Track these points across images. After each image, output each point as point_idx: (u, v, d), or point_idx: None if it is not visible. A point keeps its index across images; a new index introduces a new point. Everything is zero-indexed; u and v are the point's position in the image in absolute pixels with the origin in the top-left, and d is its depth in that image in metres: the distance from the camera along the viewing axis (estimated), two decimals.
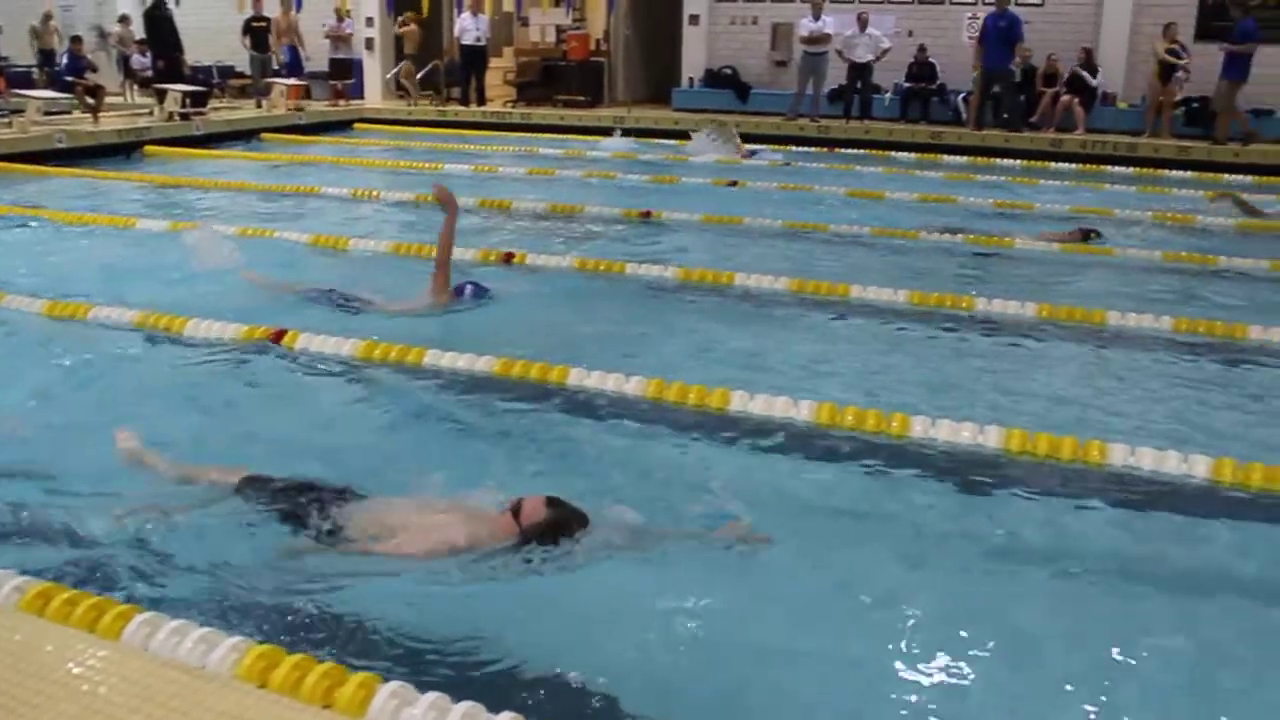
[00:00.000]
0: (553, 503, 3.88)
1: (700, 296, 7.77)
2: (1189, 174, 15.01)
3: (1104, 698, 3.20)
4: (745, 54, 21.02)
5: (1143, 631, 3.52)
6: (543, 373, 5.67)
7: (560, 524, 3.86)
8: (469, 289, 7.11)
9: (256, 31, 20.13)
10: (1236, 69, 16.35)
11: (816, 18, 18.06)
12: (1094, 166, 15.64)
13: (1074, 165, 15.75)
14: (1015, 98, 17.69)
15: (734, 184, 13.03)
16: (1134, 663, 3.35)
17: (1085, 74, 17.92)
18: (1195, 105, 17.62)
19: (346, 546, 3.81)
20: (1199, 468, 4.66)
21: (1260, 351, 6.69)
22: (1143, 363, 6.57)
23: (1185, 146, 16.46)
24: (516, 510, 3.87)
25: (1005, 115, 17.53)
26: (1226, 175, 14.93)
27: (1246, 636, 3.56)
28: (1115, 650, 3.38)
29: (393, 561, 3.73)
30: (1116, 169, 15.37)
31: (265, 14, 20.12)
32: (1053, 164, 15.83)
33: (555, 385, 5.59)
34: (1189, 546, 4.26)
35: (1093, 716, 3.13)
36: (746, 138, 16.47)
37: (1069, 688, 3.26)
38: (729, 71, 20.85)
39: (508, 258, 8.53)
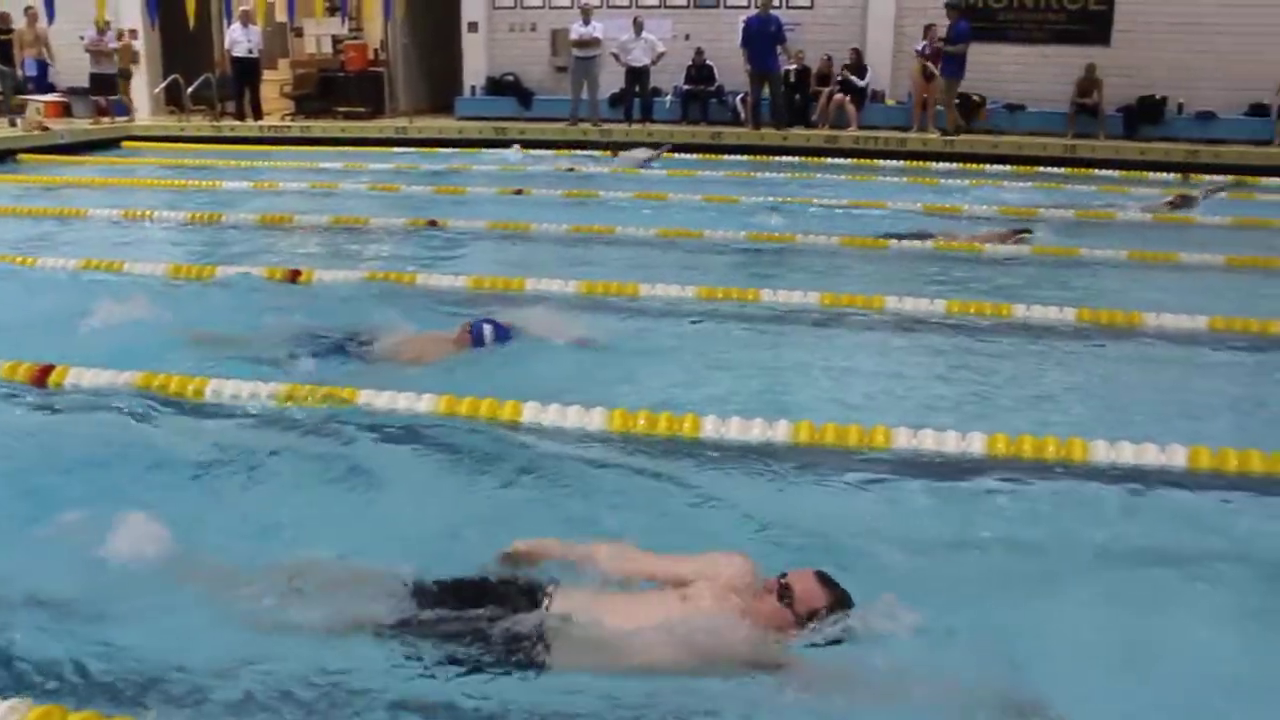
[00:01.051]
0: (824, 579, 3.30)
1: (491, 301, 7.69)
2: (954, 165, 15.83)
3: None
4: (526, 60, 21.01)
5: None
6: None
7: (839, 604, 3.25)
8: (487, 331, 6.05)
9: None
10: (953, 68, 17.28)
11: (586, 22, 18.28)
12: (868, 161, 16.29)
13: (850, 160, 16.36)
14: (786, 97, 18.25)
15: (519, 192, 12.99)
16: None
17: (852, 75, 18.65)
18: (958, 100, 18.54)
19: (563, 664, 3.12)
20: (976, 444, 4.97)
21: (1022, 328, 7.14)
22: (917, 343, 6.95)
23: (950, 140, 17.33)
24: (784, 592, 3.24)
25: (774, 115, 18.04)
26: (988, 165, 15.84)
27: None
28: None
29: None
30: (889, 163, 16.06)
31: (10, 25, 18.90)
32: (829, 159, 16.42)
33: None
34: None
35: None
36: (530, 144, 16.53)
37: None
38: (511, 78, 20.80)
39: (293, 275, 8.27)
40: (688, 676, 3.14)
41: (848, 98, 18.46)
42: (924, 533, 4.25)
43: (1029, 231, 10.18)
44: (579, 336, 6.48)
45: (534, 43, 20.99)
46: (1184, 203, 12.06)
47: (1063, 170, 15.73)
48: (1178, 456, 4.84)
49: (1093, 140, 17.53)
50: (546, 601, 3.31)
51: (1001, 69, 18.86)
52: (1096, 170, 15.75)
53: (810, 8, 19.65)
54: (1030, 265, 9.39)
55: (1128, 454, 4.85)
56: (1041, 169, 15.72)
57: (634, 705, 3.08)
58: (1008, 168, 15.74)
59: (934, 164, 16.06)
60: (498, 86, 20.86)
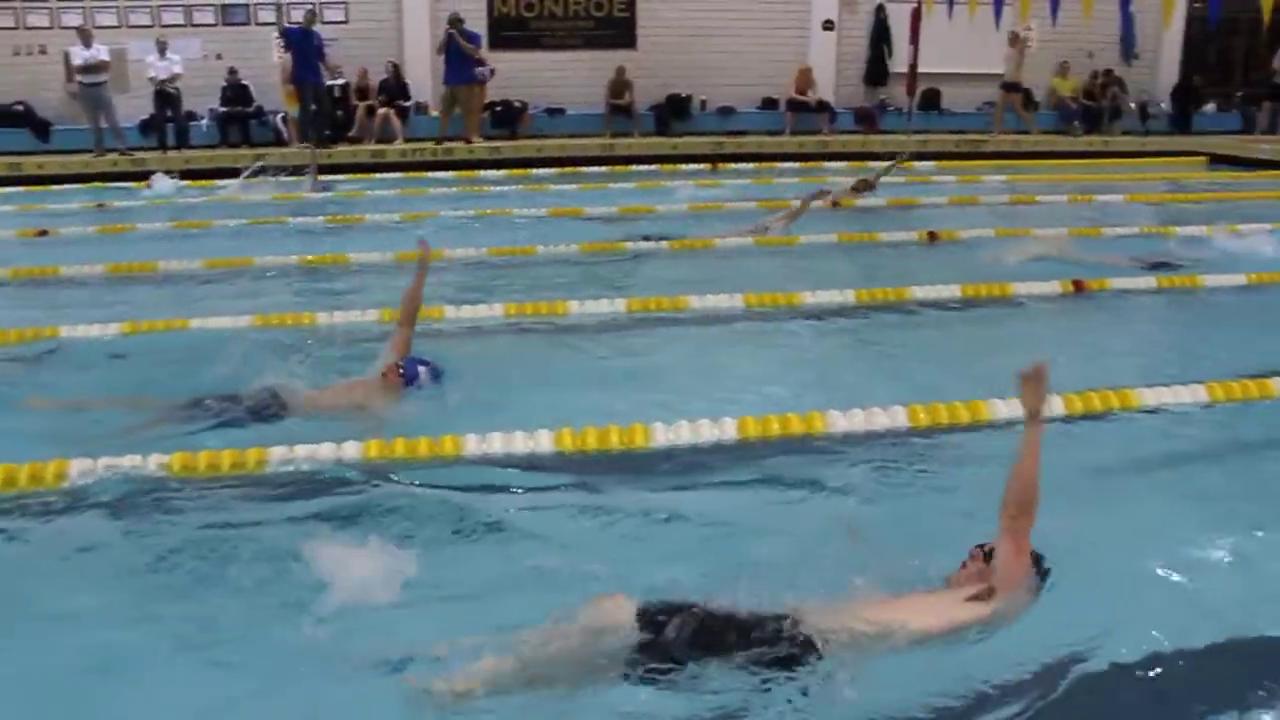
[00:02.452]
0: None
1: None
2: (501, 172, 16.18)
3: None
4: (38, 87, 19.12)
5: None
6: None
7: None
8: (424, 372, 5.76)
9: None
10: (466, 74, 17.69)
11: (87, 45, 16.77)
12: (417, 173, 16.28)
13: (399, 174, 16.28)
14: (327, 111, 17.83)
15: (44, 233, 11.81)
16: None
17: (394, 88, 18.62)
18: (499, 108, 18.98)
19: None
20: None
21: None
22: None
23: (496, 146, 17.70)
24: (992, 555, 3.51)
25: (316, 129, 17.56)
26: (534, 169, 16.30)
27: None
28: None
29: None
30: (438, 174, 16.13)
31: None
32: (377, 174, 16.25)
33: None
34: None
35: None
36: (55, 179, 15.20)
37: None
38: (20, 108, 18.89)
39: None
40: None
41: (392, 110, 18.38)
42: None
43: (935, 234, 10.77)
44: None
45: (46, 67, 19.16)
46: (865, 186, 13.24)
47: (604, 169, 16.47)
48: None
49: (629, 139, 18.52)
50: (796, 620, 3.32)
51: (540, 75, 19.60)
52: (635, 166, 16.64)
53: (346, 23, 19.37)
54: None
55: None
56: (583, 169, 16.37)
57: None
58: (553, 170, 16.26)
59: (482, 172, 16.28)
60: (6, 117, 18.88)
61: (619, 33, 20.04)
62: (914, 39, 19.00)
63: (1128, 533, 4.32)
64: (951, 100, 20.99)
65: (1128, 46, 21.39)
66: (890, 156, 14.64)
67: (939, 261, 9.63)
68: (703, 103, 20.04)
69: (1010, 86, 19.50)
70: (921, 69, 19.52)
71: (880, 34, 20.81)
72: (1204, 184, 16.44)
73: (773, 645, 3.23)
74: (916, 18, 18.97)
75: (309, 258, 9.98)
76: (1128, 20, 20.04)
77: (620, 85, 18.96)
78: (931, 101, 20.66)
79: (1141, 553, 4.14)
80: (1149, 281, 8.87)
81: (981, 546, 3.60)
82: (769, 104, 20.22)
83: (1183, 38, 22.01)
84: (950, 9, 18.73)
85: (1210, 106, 22.16)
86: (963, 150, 18.58)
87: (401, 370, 5.71)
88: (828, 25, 20.54)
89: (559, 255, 10.06)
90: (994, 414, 5.61)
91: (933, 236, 10.65)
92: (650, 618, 3.25)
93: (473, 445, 5.14)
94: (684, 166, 16.69)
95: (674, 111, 19.70)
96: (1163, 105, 21.78)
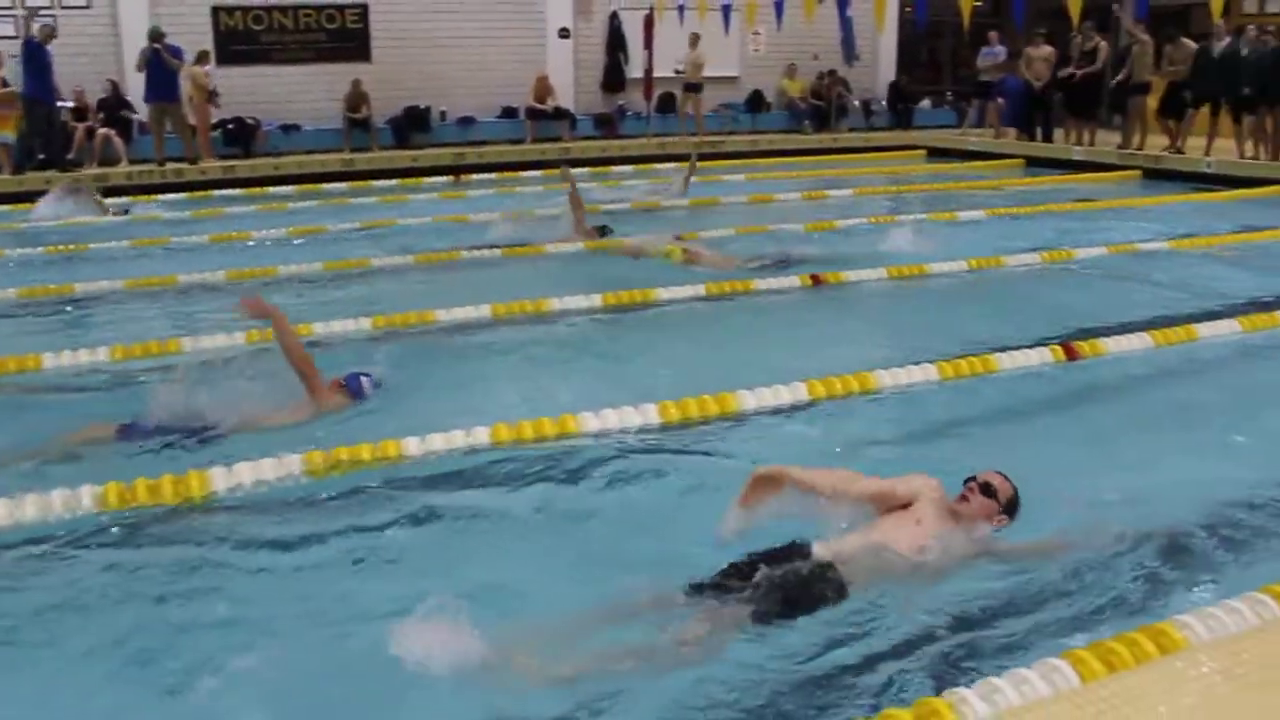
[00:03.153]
0: (1004, 474, 4.13)
1: None
2: (239, 191, 15.57)
3: None
4: None
5: None
6: None
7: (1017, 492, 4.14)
8: (366, 383, 5.92)
9: None
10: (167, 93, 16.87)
11: None
12: (148, 197, 15.38)
13: (128, 197, 15.37)
14: (54, 132, 16.67)
15: None
16: None
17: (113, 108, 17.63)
18: (231, 125, 18.23)
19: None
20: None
21: None
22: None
23: (230, 165, 17.00)
24: (986, 489, 4.03)
25: (46, 150, 16.45)
26: (272, 187, 15.74)
27: None
28: None
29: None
30: (170, 196, 15.33)
31: None
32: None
33: None
34: None
35: None
36: None
37: None
38: None
39: None
40: (938, 579, 3.88)
41: (114, 130, 17.36)
42: None
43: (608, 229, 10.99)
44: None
45: None
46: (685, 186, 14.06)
47: (345, 185, 16.05)
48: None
49: (368, 153, 18.14)
50: (813, 551, 3.86)
51: (272, 91, 18.95)
52: (376, 181, 16.32)
53: (56, 38, 18.12)
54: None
55: None
56: (325, 185, 15.92)
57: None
58: (292, 188, 15.74)
59: (216, 191, 15.59)
60: None
61: (353, 44, 19.58)
62: (648, 44, 19.50)
63: None
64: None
65: (848, 49, 22.53)
66: (687, 158, 15.16)
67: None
68: (442, 114, 19.84)
69: (691, 87, 20.02)
70: (657, 74, 20.09)
71: (616, 40, 21.12)
72: (925, 176, 17.53)
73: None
74: (649, 24, 19.49)
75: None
76: (846, 24, 21.17)
77: (357, 98, 18.51)
78: (669, 105, 21.14)
79: None
80: (880, 272, 9.36)
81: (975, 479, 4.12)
82: (509, 113, 20.21)
83: (897, 40, 23.37)
84: (681, 15, 19.27)
85: (926, 103, 23.60)
86: (702, 152, 19.09)
87: (344, 384, 5.86)
88: (564, 33, 20.71)
89: (301, 275, 9.75)
90: (742, 405, 5.84)
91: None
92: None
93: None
94: (426, 180, 16.49)
95: (413, 124, 19.40)
96: (883, 103, 23.03)
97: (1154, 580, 4.03)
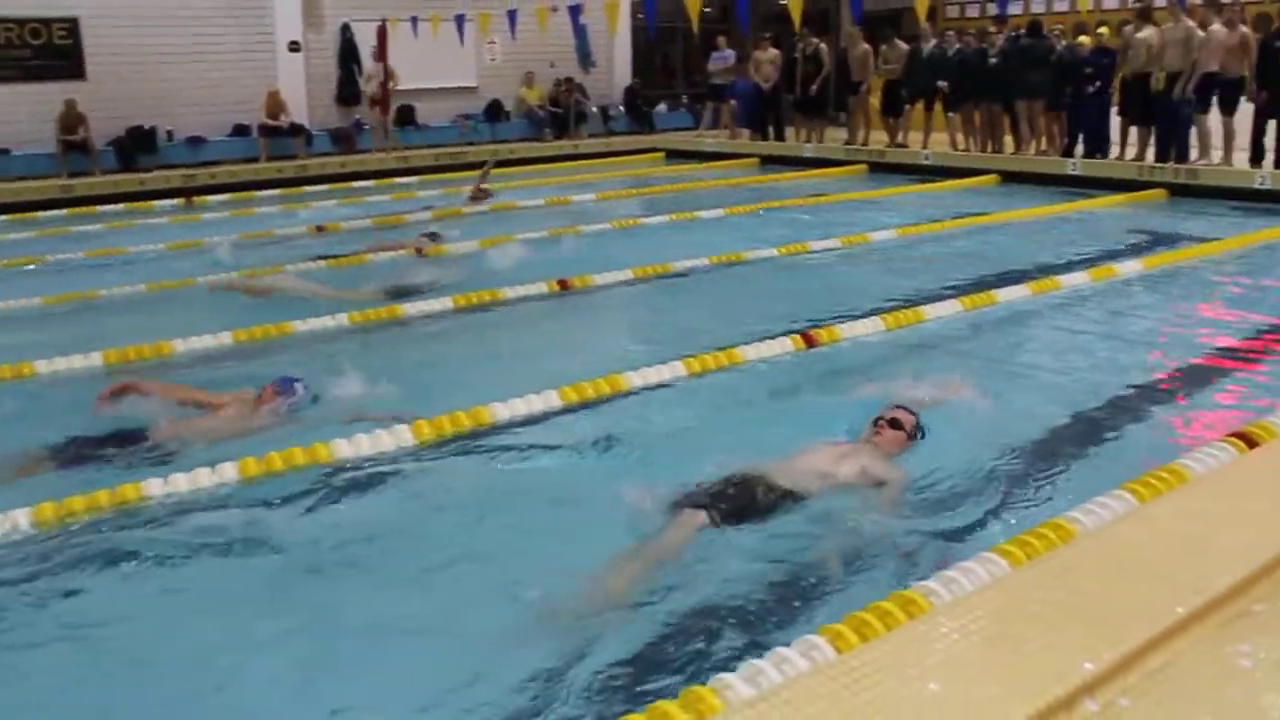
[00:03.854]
0: (905, 407, 5.04)
1: None
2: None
3: None
4: None
5: None
6: None
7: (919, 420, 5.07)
8: (299, 388, 5.91)
9: None
10: None
11: None
12: None
13: None
14: None
15: None
16: None
17: None
18: None
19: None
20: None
21: None
22: None
23: None
24: (895, 423, 4.89)
25: None
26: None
27: None
28: None
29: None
30: None
31: None
32: None
33: None
34: None
35: None
36: None
37: None
38: None
39: None
40: (855, 489, 4.63)
41: None
42: None
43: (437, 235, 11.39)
44: None
45: None
46: (482, 195, 14.35)
47: (64, 212, 15.11)
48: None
49: (89, 178, 17.11)
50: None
51: None
52: (100, 207, 15.43)
53: None
54: None
55: None
56: (41, 214, 14.94)
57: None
58: (4, 218, 14.68)
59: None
60: None
61: (64, 62, 18.34)
62: (382, 56, 19.16)
63: None
64: (427, 115, 21.32)
65: (583, 55, 22.87)
66: (481, 165, 15.63)
67: (434, 274, 9.74)
68: (169, 133, 18.89)
69: (376, 102, 19.77)
70: (402, 86, 19.77)
71: (348, 53, 20.66)
72: (666, 177, 17.98)
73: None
74: (383, 36, 19.15)
75: None
76: (580, 31, 21.47)
77: (72, 119, 17.36)
78: (407, 117, 20.88)
79: None
80: (625, 275, 9.56)
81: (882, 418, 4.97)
82: (240, 130, 19.46)
83: (630, 46, 23.83)
84: (415, 26, 19.05)
85: (662, 107, 24.20)
86: (443, 164, 18.99)
87: (279, 390, 5.86)
88: (294, 46, 20.09)
89: (13, 311, 9.09)
90: (495, 417, 5.87)
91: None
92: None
93: None
94: (156, 203, 15.69)
95: (138, 145, 18.38)
96: (621, 108, 23.46)
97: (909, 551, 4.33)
